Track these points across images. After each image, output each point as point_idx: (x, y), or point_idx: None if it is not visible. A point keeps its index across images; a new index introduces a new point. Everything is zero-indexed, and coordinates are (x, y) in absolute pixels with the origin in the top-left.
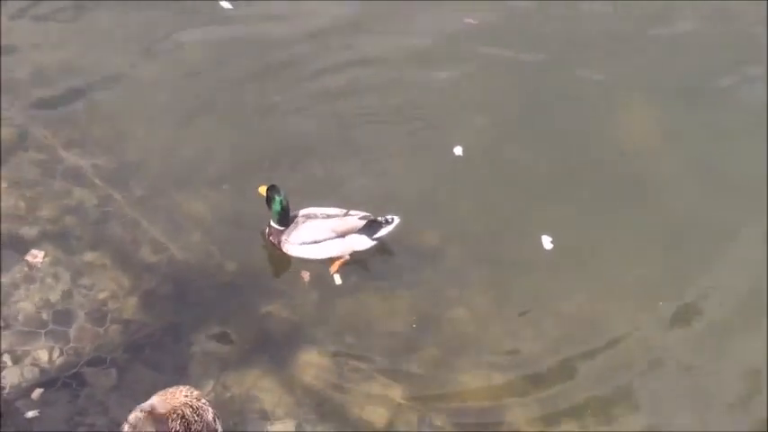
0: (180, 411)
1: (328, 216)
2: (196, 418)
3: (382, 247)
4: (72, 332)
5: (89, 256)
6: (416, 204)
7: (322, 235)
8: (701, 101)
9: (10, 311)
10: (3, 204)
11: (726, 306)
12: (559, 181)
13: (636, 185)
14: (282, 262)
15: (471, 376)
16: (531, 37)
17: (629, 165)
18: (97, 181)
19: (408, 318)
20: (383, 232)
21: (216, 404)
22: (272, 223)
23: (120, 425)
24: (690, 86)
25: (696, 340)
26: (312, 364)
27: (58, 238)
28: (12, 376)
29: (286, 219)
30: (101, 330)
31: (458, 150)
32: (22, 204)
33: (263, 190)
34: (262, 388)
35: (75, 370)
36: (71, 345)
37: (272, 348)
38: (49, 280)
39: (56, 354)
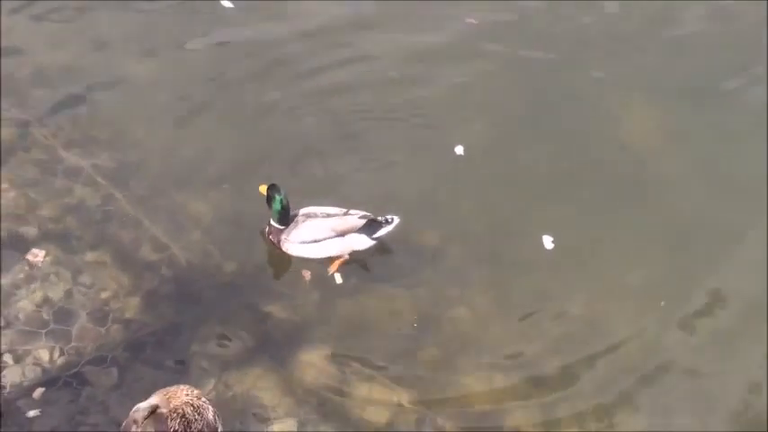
0: (180, 410)
1: (328, 215)
2: (197, 416)
3: (382, 247)
4: (73, 331)
5: (90, 256)
6: (417, 204)
7: (322, 234)
8: (705, 101)
9: (11, 311)
10: (3, 204)
11: (728, 307)
12: (561, 181)
13: (638, 185)
14: (283, 261)
15: (472, 376)
16: (533, 37)
17: (631, 165)
18: (98, 180)
19: (409, 318)
20: (383, 232)
21: (217, 403)
22: (273, 222)
23: (120, 424)
24: (693, 87)
25: (697, 340)
26: (313, 363)
27: (58, 238)
28: (13, 375)
29: (286, 218)
30: (102, 330)
31: (459, 150)
32: (22, 203)
33: (263, 189)
34: (262, 387)
35: (76, 369)
36: (72, 344)
37: (273, 348)
38: (49, 279)
39: (57, 353)
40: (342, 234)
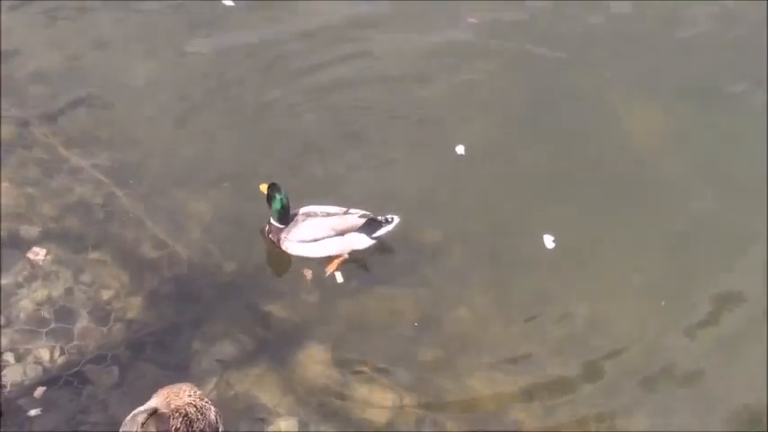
0: (183, 410)
1: (328, 214)
2: (199, 416)
3: (382, 246)
4: (74, 330)
5: (91, 254)
6: (418, 203)
7: (321, 233)
8: (706, 102)
9: (12, 309)
10: (4, 203)
11: (728, 307)
12: (561, 180)
13: (640, 186)
14: (284, 261)
15: (472, 376)
16: (534, 37)
17: (632, 165)
18: (99, 179)
19: (410, 317)
20: (383, 231)
21: (218, 403)
22: (273, 221)
23: (121, 423)
24: (694, 87)
25: (697, 340)
26: (314, 363)
27: (59, 237)
28: (14, 374)
29: (286, 217)
30: (103, 329)
31: (460, 149)
32: (23, 202)
33: (263, 188)
34: (263, 387)
35: (77, 368)
36: (73, 343)
37: (274, 347)
38: (50, 278)
39: (57, 352)
40: (341, 233)
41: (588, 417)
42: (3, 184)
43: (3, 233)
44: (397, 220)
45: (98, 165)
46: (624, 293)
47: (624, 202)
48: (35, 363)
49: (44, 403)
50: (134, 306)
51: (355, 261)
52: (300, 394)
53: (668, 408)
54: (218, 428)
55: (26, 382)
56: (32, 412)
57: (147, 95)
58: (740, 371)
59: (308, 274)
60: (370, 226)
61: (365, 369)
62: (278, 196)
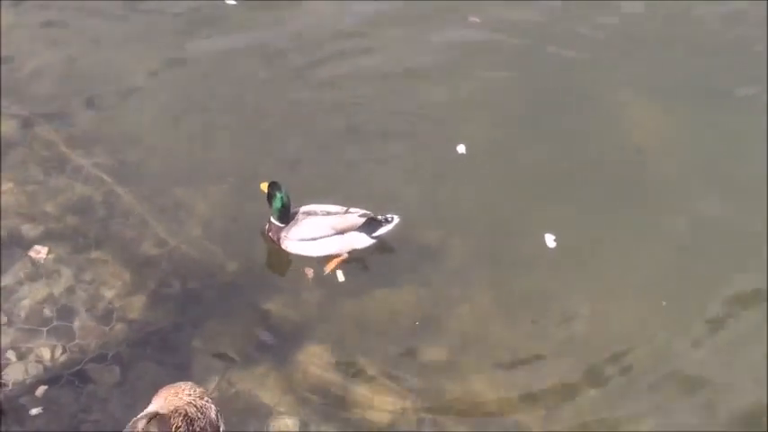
0: (183, 410)
1: (328, 213)
2: (199, 415)
3: (383, 246)
4: (75, 329)
5: (92, 253)
6: (419, 202)
7: (321, 232)
8: (708, 102)
9: (14, 308)
10: (6, 201)
11: (728, 306)
12: (563, 179)
13: (640, 185)
14: (285, 259)
15: (474, 376)
16: (535, 36)
17: (633, 165)
18: (100, 177)
19: (411, 316)
20: (383, 231)
21: (219, 402)
22: (273, 220)
23: (121, 422)
24: (697, 87)
25: (697, 340)
26: (315, 362)
27: (60, 235)
28: (16, 373)
29: (286, 215)
30: (105, 328)
31: (461, 149)
32: (24, 201)
33: (264, 186)
34: (264, 386)
35: (78, 367)
36: (75, 342)
37: (275, 346)
38: (52, 276)
39: (59, 351)
40: (341, 232)
41: (589, 417)
42: (4, 183)
43: (4, 232)
44: (397, 219)
45: (99, 163)
46: (625, 293)
47: (624, 202)
48: (36, 361)
49: (45, 402)
50: (135, 305)
51: (356, 260)
52: (301, 394)
53: (669, 408)
54: (218, 427)
55: (28, 381)
56: (34, 411)
57: (148, 94)
58: (740, 371)
59: (310, 272)
60: (370, 225)
61: (366, 368)
62: (278, 195)
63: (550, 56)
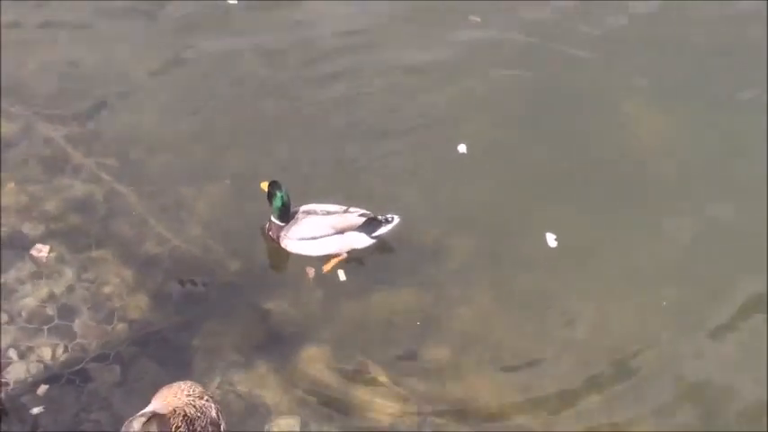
0: (182, 411)
1: (328, 213)
2: (199, 415)
3: (384, 245)
4: (77, 328)
5: (93, 252)
6: (420, 202)
7: (321, 231)
8: (709, 102)
9: (15, 307)
10: (7, 201)
11: (728, 306)
12: (564, 178)
13: (641, 185)
14: (286, 259)
15: (475, 375)
16: (536, 36)
17: (634, 164)
18: (102, 176)
19: (412, 316)
20: (382, 231)
21: (220, 401)
22: (273, 219)
23: (122, 421)
24: (698, 88)
25: (698, 339)
26: (315, 361)
27: (62, 234)
28: (17, 372)
29: (286, 214)
30: (106, 327)
31: (462, 148)
32: (25, 200)
33: (264, 185)
34: (265, 385)
35: (79, 366)
36: (76, 341)
37: (277, 345)
38: (53, 275)
39: (60, 350)
40: (341, 232)
41: (591, 417)
42: (6, 183)
43: (6, 230)
44: (397, 219)
45: (100, 162)
46: (625, 294)
47: (625, 202)
48: (38, 360)
49: (46, 401)
50: (136, 304)
51: (357, 260)
52: (302, 393)
53: (671, 407)
54: (220, 425)
55: (29, 380)
56: (35, 410)
57: (149, 94)
58: (740, 370)
59: (311, 272)
60: (369, 225)
61: (367, 368)
62: (278, 194)
63: (551, 56)
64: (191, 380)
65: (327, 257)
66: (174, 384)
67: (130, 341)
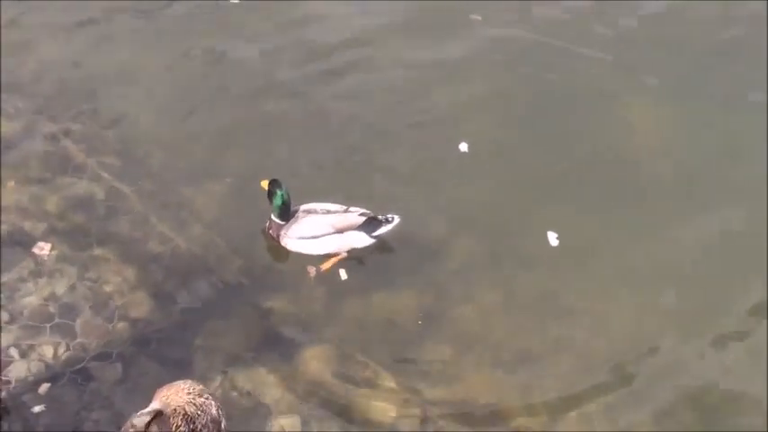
0: (182, 410)
1: (328, 212)
2: (199, 413)
3: (383, 245)
4: (78, 327)
5: (95, 251)
6: (421, 200)
7: (321, 230)
8: (709, 102)
9: (16, 305)
10: (8, 199)
11: (729, 305)
12: (564, 178)
13: (641, 186)
14: (288, 258)
15: (477, 375)
16: (538, 35)
17: (634, 165)
18: (104, 175)
19: (413, 315)
20: (383, 230)
21: (221, 399)
22: (273, 217)
23: (123, 420)
24: (698, 88)
25: (699, 340)
26: (317, 360)
27: (64, 233)
28: (18, 370)
29: (287, 213)
30: (108, 326)
31: (463, 147)
32: (27, 199)
33: (265, 184)
34: (267, 384)
35: (81, 365)
36: (77, 340)
37: (277, 344)
38: (55, 274)
39: (62, 348)
40: (341, 231)
41: (591, 417)
42: (7, 181)
43: (8, 229)
44: (397, 219)
45: (102, 161)
46: (625, 294)
47: (625, 202)
48: (39, 359)
49: (48, 400)
50: (137, 302)
51: (358, 259)
52: (303, 392)
53: (672, 406)
54: (220, 422)
55: (30, 379)
56: (36, 408)
57: (150, 93)
58: (740, 369)
59: (312, 271)
60: (370, 225)
61: (368, 368)
62: (279, 192)
63: (552, 55)
64: (191, 379)
65: (327, 256)
66: (174, 383)
67: (132, 340)
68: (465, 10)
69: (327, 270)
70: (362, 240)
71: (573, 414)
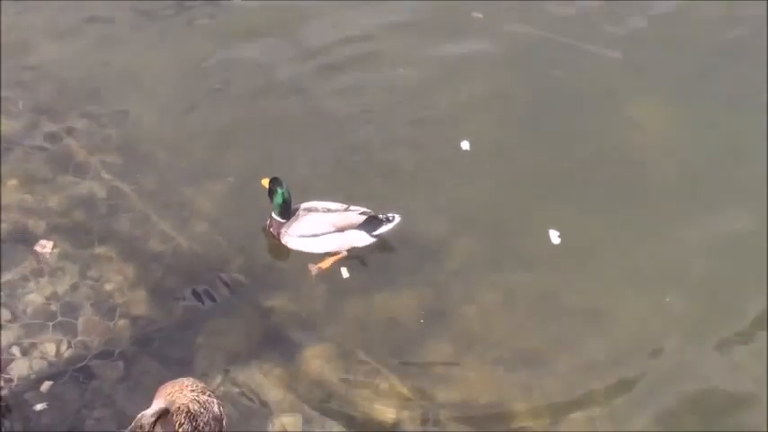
0: (186, 408)
1: (329, 210)
2: (202, 411)
3: (384, 245)
4: (80, 325)
5: (97, 249)
6: (423, 199)
7: (321, 229)
8: (709, 102)
9: (18, 304)
10: (11, 197)
11: (729, 305)
12: (565, 178)
13: (642, 185)
14: (289, 256)
15: (478, 374)
16: (540, 34)
17: (635, 164)
18: (105, 174)
19: (415, 314)
20: (383, 230)
21: (222, 398)
22: (274, 215)
23: (125, 418)
24: (698, 87)
25: (699, 340)
26: (318, 359)
27: (66, 231)
28: (20, 368)
29: (287, 211)
30: (110, 324)
31: (465, 145)
32: (29, 197)
33: (265, 182)
34: (268, 383)
35: (82, 363)
36: (79, 338)
37: (279, 343)
38: (57, 273)
39: (64, 346)
40: (341, 230)
41: (593, 418)
42: (9, 179)
43: (10, 227)
44: (398, 219)
45: (104, 160)
46: (629, 293)
47: (626, 201)
48: (41, 357)
49: (50, 398)
50: (139, 301)
51: (359, 258)
52: (304, 391)
53: (673, 407)
54: (222, 420)
55: (32, 377)
56: (38, 406)
57: (151, 93)
58: (740, 369)
59: (313, 269)
60: (370, 224)
61: (369, 367)
62: (279, 190)
63: (557, 53)
64: (193, 376)
65: (328, 255)
66: (177, 381)
67: (133, 338)
68: (466, 8)
69: (327, 269)
70: (363, 239)
71: (575, 415)
